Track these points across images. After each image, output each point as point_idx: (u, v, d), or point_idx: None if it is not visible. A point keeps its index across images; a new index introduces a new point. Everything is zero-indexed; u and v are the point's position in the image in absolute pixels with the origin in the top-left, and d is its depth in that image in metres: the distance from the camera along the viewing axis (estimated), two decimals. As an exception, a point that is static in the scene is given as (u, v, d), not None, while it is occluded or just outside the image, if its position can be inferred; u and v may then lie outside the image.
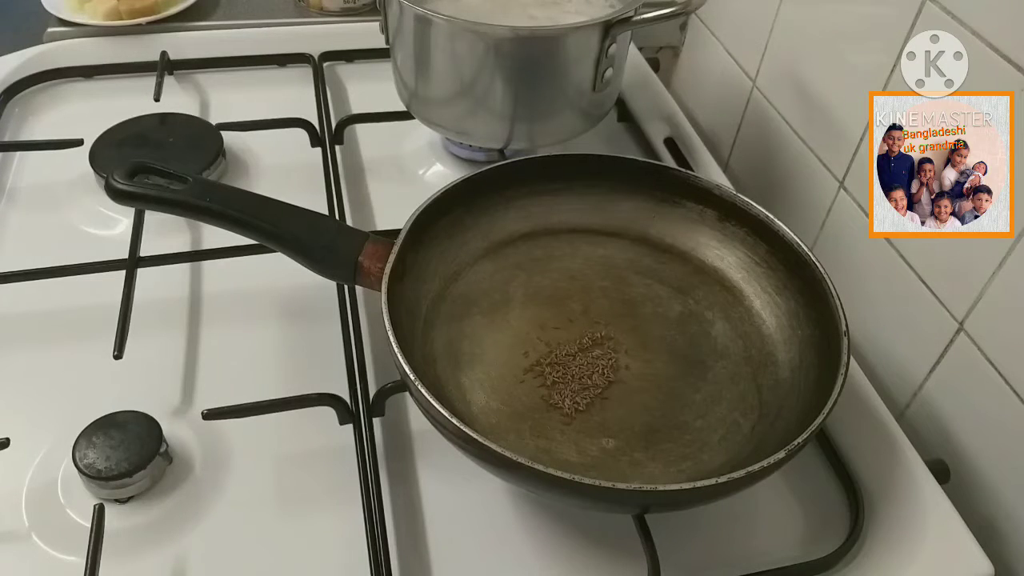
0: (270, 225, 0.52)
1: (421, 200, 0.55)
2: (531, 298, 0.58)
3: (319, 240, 0.52)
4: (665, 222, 0.60)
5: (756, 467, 0.42)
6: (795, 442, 0.43)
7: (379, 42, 0.71)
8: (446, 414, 0.43)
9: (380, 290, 0.49)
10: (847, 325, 0.49)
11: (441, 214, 0.56)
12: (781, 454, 0.42)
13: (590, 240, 0.61)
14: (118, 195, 0.52)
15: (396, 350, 0.45)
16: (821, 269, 0.52)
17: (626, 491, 0.41)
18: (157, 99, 0.76)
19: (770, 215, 0.56)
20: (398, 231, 0.53)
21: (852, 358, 0.58)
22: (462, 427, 0.42)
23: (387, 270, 0.50)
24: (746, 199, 0.57)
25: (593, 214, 0.61)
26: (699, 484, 0.42)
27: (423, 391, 0.44)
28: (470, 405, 0.51)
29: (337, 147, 0.74)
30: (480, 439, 0.42)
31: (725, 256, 0.59)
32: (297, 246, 0.52)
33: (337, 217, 0.66)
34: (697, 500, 0.45)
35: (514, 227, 0.60)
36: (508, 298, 0.57)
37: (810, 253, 0.53)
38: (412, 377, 0.44)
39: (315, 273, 0.53)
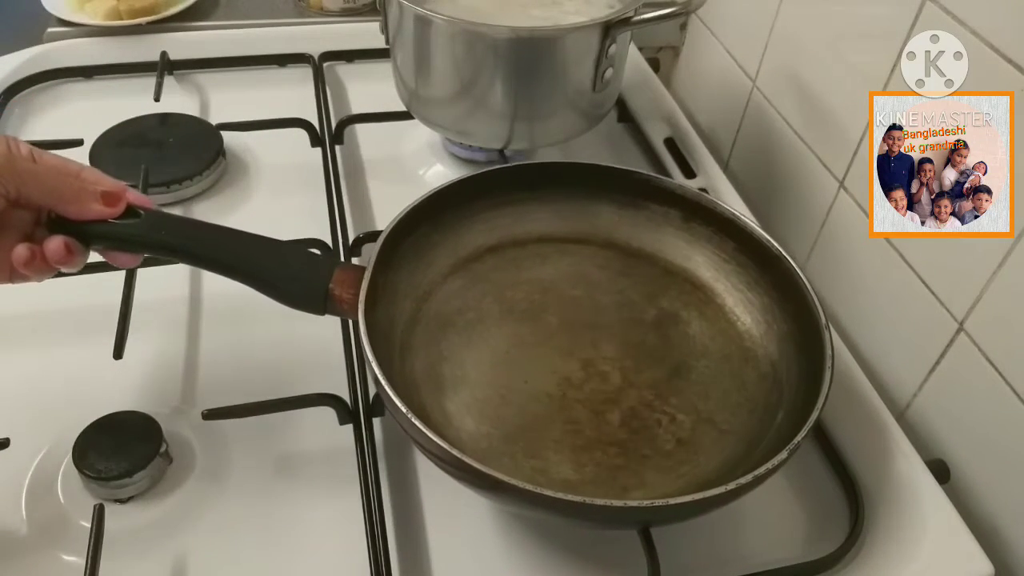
0: (232, 258, 0.48)
1: (421, 200, 0.54)
2: (506, 314, 0.56)
3: (286, 271, 0.48)
4: (630, 225, 0.59)
5: (762, 470, 0.42)
6: (794, 441, 0.43)
7: (379, 42, 0.71)
8: (455, 452, 0.41)
9: (355, 318, 0.47)
10: (826, 319, 0.49)
11: (407, 233, 0.53)
12: (783, 454, 0.42)
13: (558, 248, 0.60)
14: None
15: (383, 381, 0.43)
16: (791, 263, 0.51)
17: (638, 508, 0.41)
18: (157, 99, 0.76)
19: (736, 212, 0.55)
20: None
21: (852, 357, 0.58)
22: (466, 460, 0.40)
23: (361, 296, 0.47)
24: (710, 198, 0.56)
25: (558, 222, 0.60)
26: (708, 494, 0.41)
27: (423, 428, 0.42)
28: (459, 432, 0.49)
29: (337, 147, 0.74)
30: (486, 470, 0.40)
31: (693, 256, 0.58)
32: (262, 280, 0.48)
33: (337, 217, 0.66)
34: (706, 509, 0.44)
35: (481, 240, 0.58)
36: (483, 316, 0.56)
37: (779, 248, 0.52)
38: (410, 417, 0.42)
39: (286, 306, 0.49)
